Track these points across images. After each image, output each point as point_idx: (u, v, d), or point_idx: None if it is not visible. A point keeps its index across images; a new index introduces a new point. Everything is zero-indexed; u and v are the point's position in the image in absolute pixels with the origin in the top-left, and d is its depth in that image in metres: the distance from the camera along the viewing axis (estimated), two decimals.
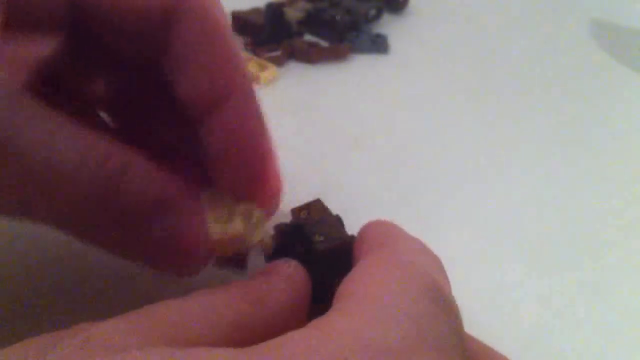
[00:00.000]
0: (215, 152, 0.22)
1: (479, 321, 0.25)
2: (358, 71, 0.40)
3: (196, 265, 0.21)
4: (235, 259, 0.22)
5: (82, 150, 0.18)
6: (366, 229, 0.21)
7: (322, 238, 0.22)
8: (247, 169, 0.22)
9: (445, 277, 0.20)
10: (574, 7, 0.46)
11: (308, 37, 0.43)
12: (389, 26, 0.44)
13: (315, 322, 0.16)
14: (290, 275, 0.19)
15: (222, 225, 0.21)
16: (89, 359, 0.14)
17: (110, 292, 0.25)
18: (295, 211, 0.26)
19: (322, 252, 0.22)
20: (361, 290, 0.17)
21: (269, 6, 0.42)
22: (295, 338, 0.15)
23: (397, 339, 0.15)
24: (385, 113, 0.37)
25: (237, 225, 0.21)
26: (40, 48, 0.20)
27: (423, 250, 0.20)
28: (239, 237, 0.21)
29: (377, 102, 0.38)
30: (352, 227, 0.28)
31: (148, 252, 0.20)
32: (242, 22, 0.42)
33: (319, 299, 0.21)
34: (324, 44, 0.42)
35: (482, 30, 0.44)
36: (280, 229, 0.23)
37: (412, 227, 0.29)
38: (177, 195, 0.20)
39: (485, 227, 0.29)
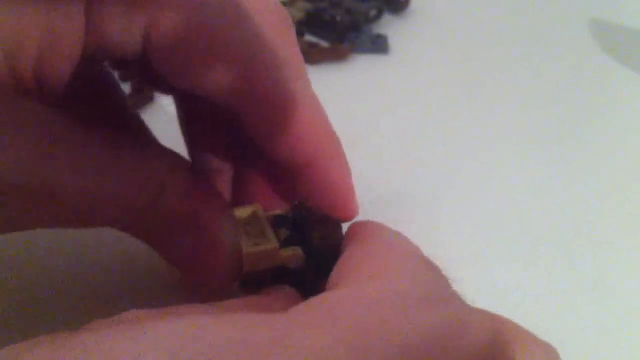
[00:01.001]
0: (302, 194, 0.23)
1: None
2: (358, 71, 0.40)
3: (224, 279, 0.21)
4: (259, 278, 0.22)
5: (119, 181, 0.19)
6: (353, 227, 0.21)
7: (319, 236, 0.22)
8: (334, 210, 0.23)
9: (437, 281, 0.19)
10: (574, 7, 0.46)
11: (308, 37, 0.43)
12: (389, 26, 0.44)
13: (310, 300, 0.15)
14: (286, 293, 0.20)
15: (254, 239, 0.21)
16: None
17: (109, 293, 0.25)
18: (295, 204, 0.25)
19: (317, 251, 0.22)
20: (354, 270, 0.17)
21: None
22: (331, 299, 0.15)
23: (422, 289, 0.16)
24: (385, 113, 0.37)
25: (270, 240, 0.21)
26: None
27: (409, 243, 0.21)
28: (271, 251, 0.21)
29: (377, 102, 0.38)
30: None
31: (178, 261, 0.21)
32: None
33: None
34: (324, 44, 0.42)
35: (482, 30, 0.44)
36: (281, 219, 0.22)
37: (411, 226, 0.29)
38: (207, 212, 0.21)
39: (485, 227, 0.29)
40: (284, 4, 0.44)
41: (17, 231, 0.19)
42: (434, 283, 0.17)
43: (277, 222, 0.22)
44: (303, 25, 0.43)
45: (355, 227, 0.21)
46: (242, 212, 0.22)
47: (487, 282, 0.27)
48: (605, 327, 0.25)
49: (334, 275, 0.18)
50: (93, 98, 0.23)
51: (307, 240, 0.22)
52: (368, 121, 0.36)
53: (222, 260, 0.21)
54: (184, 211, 0.20)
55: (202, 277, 0.21)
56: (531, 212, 0.30)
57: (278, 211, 0.23)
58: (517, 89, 0.39)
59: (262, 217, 0.22)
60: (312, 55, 0.40)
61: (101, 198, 0.18)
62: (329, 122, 0.23)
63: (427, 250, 0.28)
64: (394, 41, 0.43)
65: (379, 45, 0.42)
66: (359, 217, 0.27)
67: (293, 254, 0.21)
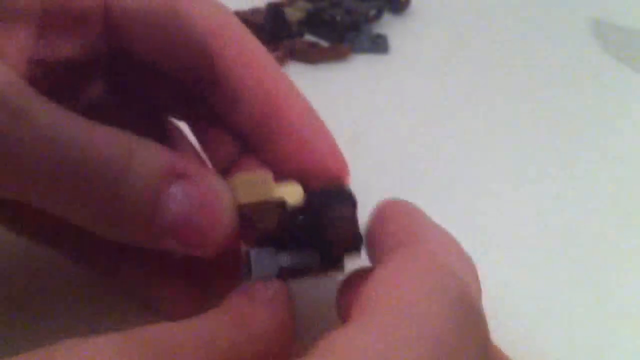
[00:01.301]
0: (282, 158, 0.22)
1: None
2: (358, 71, 0.40)
3: (226, 239, 0.19)
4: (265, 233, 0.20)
5: (89, 130, 0.18)
6: (385, 211, 0.20)
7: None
8: (320, 165, 0.22)
9: (476, 277, 0.19)
10: (574, 7, 0.46)
11: (308, 37, 0.43)
12: (389, 26, 0.44)
13: (331, 341, 0.14)
14: (271, 299, 0.19)
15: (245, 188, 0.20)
16: None
17: (106, 294, 0.25)
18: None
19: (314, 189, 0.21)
20: (384, 301, 0.16)
21: (270, 6, 0.42)
22: None
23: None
24: (385, 113, 0.37)
25: (260, 173, 0.20)
26: (71, 51, 0.20)
27: (453, 246, 0.19)
28: (265, 181, 0.20)
29: (377, 102, 0.38)
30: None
31: (169, 237, 0.19)
32: (242, 22, 0.42)
33: (328, 265, 0.21)
34: (324, 44, 0.42)
35: (482, 30, 0.44)
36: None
37: None
38: (188, 162, 0.20)
39: (485, 227, 0.29)
40: (284, 4, 0.44)
41: None
42: (463, 352, 0.15)
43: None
44: (303, 25, 0.43)
45: (390, 213, 0.20)
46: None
47: (488, 281, 0.27)
48: (606, 327, 0.25)
49: (364, 293, 0.16)
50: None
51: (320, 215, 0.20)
52: (368, 121, 0.36)
53: (222, 210, 0.19)
54: (162, 167, 0.19)
55: (198, 244, 0.19)
56: (531, 212, 0.30)
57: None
58: (517, 89, 0.39)
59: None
60: (312, 55, 0.40)
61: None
62: (290, 82, 0.23)
63: None
64: (394, 41, 0.43)
65: (379, 45, 0.42)
66: (361, 217, 0.27)
67: (291, 188, 0.20)
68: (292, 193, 0.20)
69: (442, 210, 0.30)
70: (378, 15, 0.44)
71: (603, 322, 0.25)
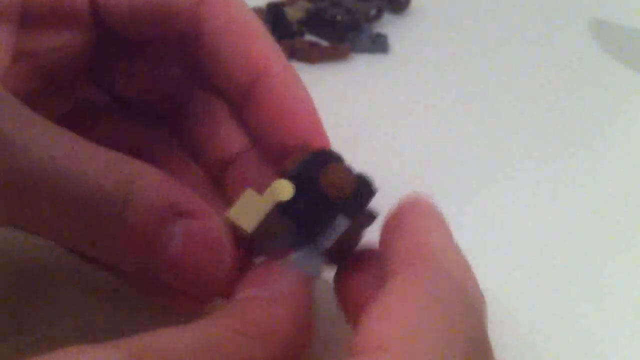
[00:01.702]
0: (262, 124, 0.22)
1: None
2: (358, 71, 0.40)
3: (227, 273, 0.19)
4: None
5: (83, 158, 0.17)
6: (404, 214, 0.19)
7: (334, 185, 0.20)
8: (297, 132, 0.22)
9: (481, 295, 0.18)
10: (574, 7, 0.46)
11: (308, 37, 0.43)
12: (390, 26, 0.44)
13: None
14: (290, 292, 0.18)
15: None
16: None
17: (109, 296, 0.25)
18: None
19: (290, 168, 0.20)
20: (393, 335, 0.15)
21: (270, 6, 0.42)
22: None
23: None
24: (385, 113, 0.37)
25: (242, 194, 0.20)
26: (59, 43, 0.20)
27: (469, 274, 0.18)
28: (249, 199, 0.20)
29: (377, 102, 0.38)
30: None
31: (167, 271, 0.19)
32: None
33: (361, 219, 0.21)
34: (324, 43, 0.42)
35: (482, 30, 0.44)
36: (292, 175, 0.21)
37: None
38: (190, 198, 0.19)
39: (485, 227, 0.29)
40: (285, 3, 0.44)
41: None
42: None
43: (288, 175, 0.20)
44: (303, 25, 0.43)
45: (405, 220, 0.19)
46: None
47: (488, 281, 0.27)
48: (606, 327, 0.25)
49: (372, 321, 0.15)
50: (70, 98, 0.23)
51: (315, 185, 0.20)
52: (368, 121, 0.36)
53: (222, 244, 0.19)
54: (163, 200, 0.18)
55: (202, 288, 0.19)
56: (531, 212, 0.30)
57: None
58: (517, 89, 0.39)
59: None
60: (312, 55, 0.40)
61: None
62: (264, 33, 0.23)
63: None
64: (394, 41, 0.43)
65: (379, 45, 0.42)
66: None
67: (277, 185, 0.20)
68: (281, 191, 0.20)
69: (442, 207, 0.30)
70: (378, 15, 0.44)
71: (605, 323, 0.25)
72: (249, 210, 0.20)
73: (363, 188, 0.21)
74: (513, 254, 0.28)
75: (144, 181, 0.18)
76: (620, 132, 0.35)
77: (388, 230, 0.19)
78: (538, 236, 0.29)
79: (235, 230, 0.19)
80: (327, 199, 0.20)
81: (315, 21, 0.43)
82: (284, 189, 0.20)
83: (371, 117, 0.37)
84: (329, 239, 0.20)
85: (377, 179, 0.32)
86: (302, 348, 0.17)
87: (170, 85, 0.24)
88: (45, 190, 0.17)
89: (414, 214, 0.19)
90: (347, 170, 0.21)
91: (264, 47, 0.22)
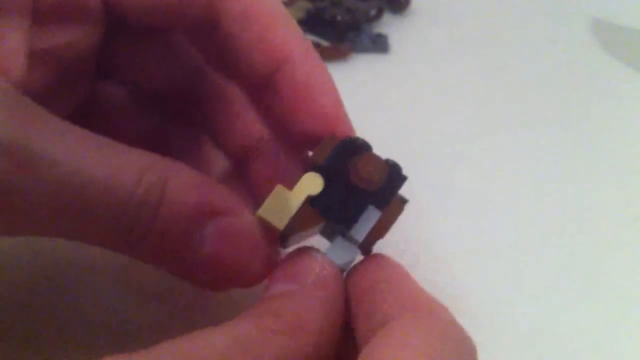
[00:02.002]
0: (284, 112, 0.21)
1: (478, 321, 0.25)
2: (358, 71, 0.40)
3: (260, 269, 0.19)
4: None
5: (113, 165, 0.17)
6: (374, 272, 0.19)
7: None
8: (320, 120, 0.21)
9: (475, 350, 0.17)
10: (574, 7, 0.46)
11: (308, 37, 0.43)
12: (390, 26, 0.44)
13: None
14: (319, 282, 0.17)
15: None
16: None
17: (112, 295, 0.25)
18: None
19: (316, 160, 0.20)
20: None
21: None
22: None
23: None
24: (385, 112, 0.37)
25: (274, 191, 0.20)
26: (72, 39, 0.20)
27: (442, 306, 0.17)
28: (279, 196, 0.20)
29: (378, 102, 0.38)
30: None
31: (202, 269, 0.19)
32: None
33: (390, 208, 0.21)
34: (324, 43, 0.42)
35: (482, 30, 0.44)
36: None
37: (412, 227, 0.29)
38: (223, 196, 0.19)
39: (485, 227, 0.29)
40: (284, 4, 0.44)
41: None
42: None
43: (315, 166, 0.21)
44: (303, 25, 0.43)
45: (375, 278, 0.18)
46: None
47: (488, 281, 0.27)
48: (606, 327, 0.25)
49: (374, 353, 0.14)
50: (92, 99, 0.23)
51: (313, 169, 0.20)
52: (368, 120, 0.36)
53: (256, 241, 0.19)
54: (194, 202, 0.18)
55: (234, 274, 0.19)
56: (531, 212, 0.30)
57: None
58: (517, 88, 0.39)
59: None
60: None
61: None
62: (289, 20, 0.22)
63: (427, 249, 0.28)
64: (394, 41, 0.43)
65: (379, 45, 0.42)
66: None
67: (307, 181, 0.20)
68: (310, 184, 0.20)
69: (442, 209, 0.30)
70: (378, 15, 0.44)
71: (603, 322, 0.25)
72: (280, 206, 0.20)
73: (394, 176, 0.21)
74: (512, 253, 0.28)
75: (176, 182, 0.18)
76: (620, 132, 0.35)
77: (361, 286, 0.18)
78: (537, 235, 0.29)
79: (267, 226, 0.20)
80: (358, 190, 0.20)
81: (315, 21, 0.43)
82: (314, 183, 0.20)
83: (371, 117, 0.37)
84: (361, 230, 0.20)
85: None
86: (334, 340, 0.17)
87: (185, 74, 0.24)
88: (76, 201, 0.17)
89: (387, 270, 0.19)
90: (377, 159, 0.21)
91: (285, 33, 0.21)
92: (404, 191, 0.22)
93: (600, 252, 0.28)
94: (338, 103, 0.22)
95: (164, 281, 0.25)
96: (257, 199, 0.22)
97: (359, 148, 0.21)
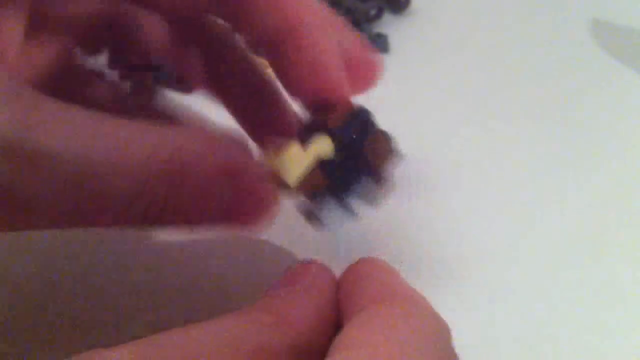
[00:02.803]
0: (290, 71, 0.22)
1: (479, 321, 0.25)
2: None
3: (269, 214, 0.20)
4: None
5: (121, 147, 0.17)
6: (359, 268, 0.19)
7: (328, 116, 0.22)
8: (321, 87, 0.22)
9: (450, 340, 0.17)
10: (574, 7, 0.46)
11: None
12: (390, 26, 0.44)
13: None
14: (315, 283, 0.18)
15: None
16: None
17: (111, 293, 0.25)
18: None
19: (335, 126, 0.22)
20: (368, 338, 0.15)
21: None
22: None
23: None
24: (385, 112, 0.37)
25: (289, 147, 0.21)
26: (79, 10, 0.20)
27: (429, 306, 0.18)
28: (295, 154, 0.21)
29: (377, 102, 0.38)
30: (351, 230, 0.28)
31: (220, 218, 0.20)
32: None
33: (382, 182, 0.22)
34: None
35: (482, 30, 0.44)
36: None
37: (411, 227, 0.29)
38: (238, 152, 0.20)
39: (485, 227, 0.29)
40: None
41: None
42: None
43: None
44: None
45: (365, 270, 0.19)
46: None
47: (489, 281, 0.27)
48: (606, 328, 0.25)
49: (340, 339, 0.15)
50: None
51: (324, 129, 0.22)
52: None
53: (268, 198, 0.20)
54: (215, 166, 0.19)
55: (248, 222, 0.20)
56: (531, 212, 0.30)
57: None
58: (517, 88, 0.39)
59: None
60: None
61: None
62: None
63: (427, 249, 0.28)
64: (394, 41, 0.43)
65: (379, 45, 0.42)
66: (361, 224, 0.27)
67: (321, 142, 0.21)
68: (322, 147, 0.21)
69: (442, 209, 0.30)
70: (378, 15, 0.44)
71: (603, 322, 0.25)
72: (293, 164, 0.21)
73: (396, 155, 0.23)
74: (512, 253, 0.28)
75: (190, 152, 0.18)
76: (620, 132, 0.35)
77: (345, 283, 0.19)
78: (536, 235, 0.29)
79: (274, 177, 0.21)
80: (365, 162, 0.22)
81: None
82: (326, 146, 0.21)
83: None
84: (357, 198, 0.22)
85: None
86: (325, 334, 0.17)
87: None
88: (85, 192, 0.17)
89: (369, 267, 0.19)
90: (388, 139, 0.23)
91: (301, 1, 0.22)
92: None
93: (601, 254, 0.28)
94: (341, 75, 0.23)
95: (164, 282, 0.25)
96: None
97: (371, 122, 0.23)
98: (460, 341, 0.24)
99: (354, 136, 0.22)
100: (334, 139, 0.21)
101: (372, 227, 0.29)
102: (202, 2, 0.23)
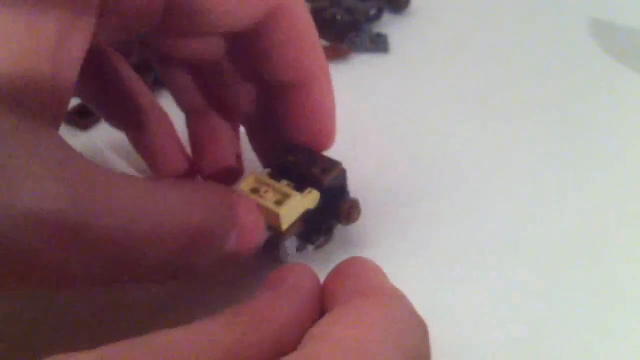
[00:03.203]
0: (292, 120, 0.26)
1: (479, 321, 0.25)
2: (358, 71, 0.40)
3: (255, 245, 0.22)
4: (270, 244, 0.24)
5: (163, 219, 0.18)
6: (344, 267, 0.20)
7: (319, 170, 0.25)
8: (316, 135, 0.26)
9: (427, 337, 0.17)
10: (574, 7, 0.46)
11: None
12: (390, 26, 0.44)
13: None
14: (296, 285, 0.18)
15: (274, 200, 0.24)
16: None
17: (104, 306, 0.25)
18: (280, 156, 0.27)
19: (328, 185, 0.25)
20: (334, 332, 0.15)
21: None
22: None
23: None
24: (385, 113, 0.37)
25: (290, 193, 0.24)
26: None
27: (407, 302, 0.18)
28: (298, 201, 0.24)
29: (377, 101, 0.38)
30: (351, 229, 0.28)
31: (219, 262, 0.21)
32: None
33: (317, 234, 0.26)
34: (324, 43, 0.42)
35: (482, 30, 0.44)
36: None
37: (410, 227, 0.29)
38: (246, 205, 0.22)
39: (487, 227, 0.29)
40: None
41: None
42: None
43: (275, 176, 0.25)
44: None
45: (351, 268, 0.19)
46: (245, 184, 0.25)
47: (489, 281, 0.27)
48: (606, 328, 0.25)
49: (314, 330, 0.16)
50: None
51: (316, 184, 0.25)
52: (368, 121, 0.36)
53: (258, 237, 0.22)
54: (227, 222, 0.21)
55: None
56: (531, 212, 0.30)
57: (267, 170, 0.26)
58: (517, 88, 0.39)
59: (265, 179, 0.25)
60: None
61: None
62: (318, 45, 0.26)
63: (427, 248, 0.28)
64: (394, 41, 0.43)
65: (379, 45, 0.42)
66: (361, 219, 0.27)
67: (312, 196, 0.25)
68: (313, 199, 0.25)
69: (442, 209, 0.30)
70: (378, 15, 0.45)
71: (603, 322, 0.25)
72: (290, 212, 0.24)
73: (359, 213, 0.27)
74: (511, 252, 0.28)
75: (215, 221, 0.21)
76: (620, 132, 0.35)
77: (329, 280, 0.19)
78: (536, 235, 0.29)
79: (269, 219, 0.24)
80: (334, 215, 0.26)
81: (315, 21, 0.43)
82: (314, 198, 0.25)
83: (371, 117, 0.37)
84: (322, 240, 0.27)
85: (377, 178, 0.32)
86: (305, 324, 0.17)
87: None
88: (127, 259, 0.18)
89: (353, 265, 0.20)
90: (357, 203, 0.27)
91: (314, 57, 0.25)
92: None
93: (600, 254, 0.28)
94: (334, 125, 0.27)
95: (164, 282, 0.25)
96: None
97: (345, 189, 0.27)
98: (460, 341, 0.24)
99: (334, 194, 0.25)
100: (323, 195, 0.25)
101: (371, 226, 0.29)
102: (220, 49, 0.25)
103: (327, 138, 0.26)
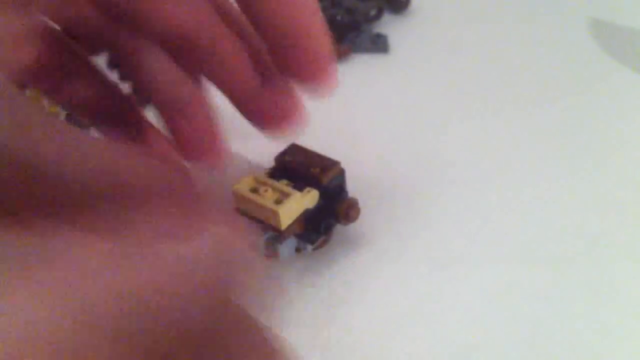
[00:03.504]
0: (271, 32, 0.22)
1: (479, 321, 0.25)
2: (358, 71, 0.41)
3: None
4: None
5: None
6: None
7: (318, 170, 0.25)
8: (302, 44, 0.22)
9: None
10: (574, 7, 0.46)
11: None
12: (390, 26, 0.44)
13: None
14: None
15: (274, 199, 0.24)
16: None
17: None
18: (278, 157, 0.27)
19: (327, 184, 0.25)
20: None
21: None
22: None
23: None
24: (385, 113, 0.37)
25: (289, 192, 0.24)
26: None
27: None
28: (297, 200, 0.24)
29: (377, 101, 0.38)
30: (350, 229, 0.28)
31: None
32: None
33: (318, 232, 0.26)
34: None
35: (482, 30, 0.44)
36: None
37: (410, 226, 0.29)
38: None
39: (485, 227, 0.29)
40: None
41: None
42: None
43: (274, 175, 0.26)
44: None
45: None
46: (245, 184, 0.25)
47: (488, 281, 0.27)
48: (605, 328, 0.25)
49: None
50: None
51: (315, 183, 0.25)
52: (368, 120, 0.36)
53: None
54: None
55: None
56: (531, 212, 0.30)
57: (266, 169, 0.26)
58: (517, 89, 0.39)
59: (264, 179, 0.25)
60: None
61: None
62: None
63: (427, 248, 0.28)
64: (394, 41, 0.43)
65: (379, 45, 0.42)
66: (361, 219, 0.27)
67: (311, 195, 0.25)
68: (312, 198, 0.25)
69: (442, 207, 0.30)
70: (378, 15, 0.45)
71: (603, 322, 0.25)
72: (290, 211, 0.24)
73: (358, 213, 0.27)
74: (511, 253, 0.28)
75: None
76: (620, 132, 0.35)
77: None
78: (535, 234, 0.29)
79: (267, 216, 0.24)
80: (333, 214, 0.26)
81: None
82: (313, 197, 0.25)
83: (371, 117, 0.37)
84: (321, 240, 0.27)
85: (377, 178, 0.32)
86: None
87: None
88: None
89: None
90: (355, 203, 0.27)
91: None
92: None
93: (600, 254, 0.28)
94: (325, 47, 0.23)
95: None
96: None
97: (344, 188, 0.27)
98: (460, 341, 0.24)
99: (332, 195, 0.26)
100: (322, 194, 0.25)
101: (370, 225, 0.29)
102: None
103: (316, 62, 0.22)
